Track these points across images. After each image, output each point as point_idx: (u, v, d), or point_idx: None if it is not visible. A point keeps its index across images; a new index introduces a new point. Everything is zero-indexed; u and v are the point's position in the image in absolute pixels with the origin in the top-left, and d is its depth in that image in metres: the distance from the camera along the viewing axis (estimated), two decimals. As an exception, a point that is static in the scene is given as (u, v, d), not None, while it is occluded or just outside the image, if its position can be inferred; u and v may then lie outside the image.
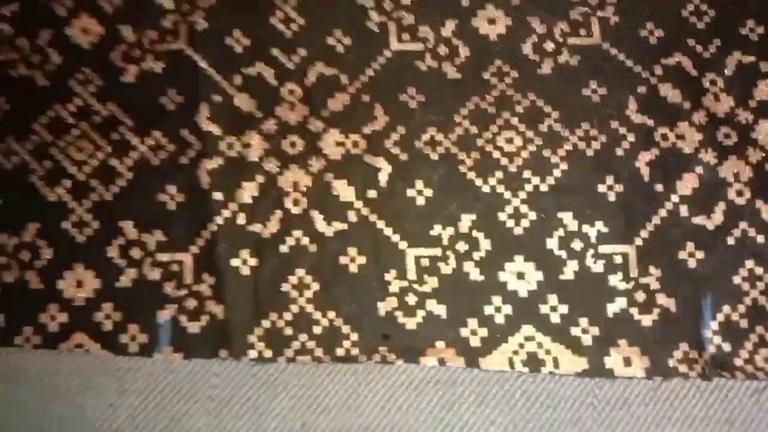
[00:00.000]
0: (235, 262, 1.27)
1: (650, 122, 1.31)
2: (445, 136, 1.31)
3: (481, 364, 1.21)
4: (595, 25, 1.37)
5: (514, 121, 1.32)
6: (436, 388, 1.21)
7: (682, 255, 1.25)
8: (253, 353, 1.23)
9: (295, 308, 1.24)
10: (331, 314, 1.24)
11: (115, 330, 1.24)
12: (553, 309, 1.23)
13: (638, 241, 1.25)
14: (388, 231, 1.27)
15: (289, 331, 1.23)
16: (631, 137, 1.30)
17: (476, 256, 1.26)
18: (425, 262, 1.26)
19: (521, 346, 1.22)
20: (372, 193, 1.29)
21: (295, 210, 1.28)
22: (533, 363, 1.21)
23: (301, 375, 1.22)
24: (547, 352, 1.21)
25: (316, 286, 1.25)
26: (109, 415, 1.21)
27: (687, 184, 1.27)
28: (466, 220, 1.27)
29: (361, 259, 1.27)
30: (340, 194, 1.29)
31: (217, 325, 1.24)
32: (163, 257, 1.27)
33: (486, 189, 1.29)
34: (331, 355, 1.22)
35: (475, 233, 1.27)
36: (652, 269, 1.24)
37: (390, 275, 1.26)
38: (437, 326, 1.23)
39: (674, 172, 1.28)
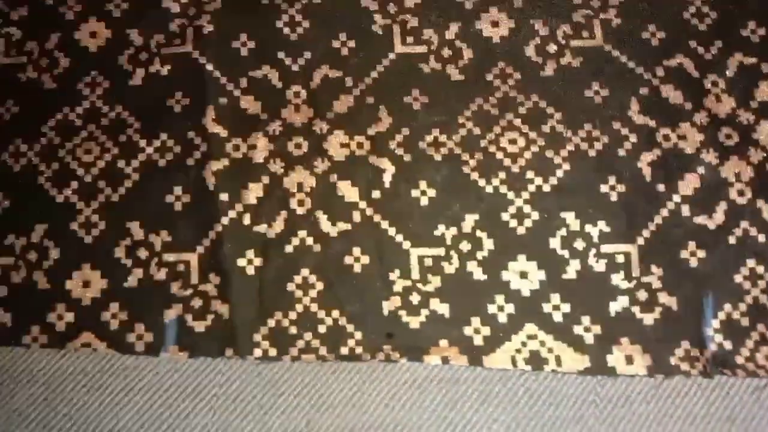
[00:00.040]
0: (240, 262, 1.27)
1: (652, 123, 1.31)
2: (448, 137, 1.32)
3: (484, 362, 1.21)
4: (598, 27, 1.37)
5: (517, 122, 1.32)
6: (439, 387, 1.21)
7: (684, 254, 1.25)
8: (258, 352, 1.23)
9: (299, 307, 1.25)
10: (336, 313, 1.24)
11: (121, 329, 1.25)
12: (556, 308, 1.23)
13: (640, 241, 1.25)
14: (392, 231, 1.28)
15: (293, 330, 1.24)
16: (633, 138, 1.30)
17: (479, 255, 1.26)
18: (429, 262, 1.26)
19: (524, 344, 1.22)
20: (376, 194, 1.29)
21: (300, 210, 1.29)
22: (536, 361, 1.21)
23: (305, 373, 1.22)
24: (550, 350, 1.21)
25: (320, 286, 1.26)
26: (116, 413, 1.21)
27: (688, 184, 1.27)
28: (470, 220, 1.27)
29: (365, 259, 1.27)
30: (345, 195, 1.30)
31: (223, 324, 1.24)
32: (170, 257, 1.27)
33: (489, 189, 1.29)
34: (336, 353, 1.23)
35: (478, 233, 1.27)
36: (653, 268, 1.24)
37: (394, 275, 1.26)
38: (441, 325, 1.23)
39: (676, 173, 1.28)
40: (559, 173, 1.29)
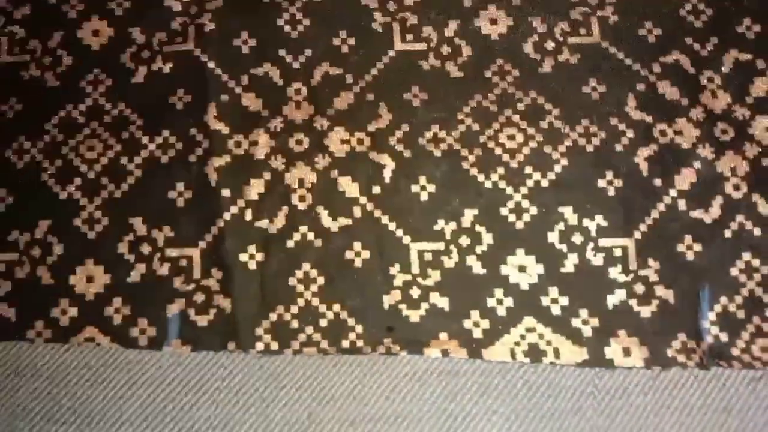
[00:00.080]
0: (242, 257, 1.28)
1: (649, 119, 1.31)
2: (448, 134, 1.33)
3: (484, 355, 1.22)
4: (595, 24, 1.38)
5: (516, 118, 1.33)
6: (439, 379, 1.22)
7: (681, 248, 1.25)
8: (260, 345, 1.24)
9: (301, 301, 1.26)
10: (337, 307, 1.25)
11: (124, 324, 1.26)
12: (554, 301, 1.24)
13: (637, 235, 1.26)
14: (392, 226, 1.28)
15: (295, 324, 1.25)
16: (630, 133, 1.31)
17: (478, 249, 1.27)
18: (428, 256, 1.27)
19: (523, 337, 1.23)
20: (376, 189, 1.30)
21: (301, 206, 1.30)
22: (534, 354, 1.22)
23: (307, 366, 1.23)
24: (548, 343, 1.22)
25: (321, 280, 1.27)
26: (119, 407, 1.22)
27: (685, 178, 1.28)
28: (469, 215, 1.28)
29: (366, 254, 1.28)
30: (345, 190, 1.31)
31: (225, 318, 1.25)
32: (172, 253, 1.29)
33: (488, 184, 1.30)
34: (337, 347, 1.23)
35: (477, 228, 1.28)
36: (650, 262, 1.25)
37: (394, 269, 1.27)
38: (440, 318, 1.24)
39: (672, 167, 1.29)
40: (557, 168, 1.30)
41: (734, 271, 1.24)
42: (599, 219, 1.27)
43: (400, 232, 1.28)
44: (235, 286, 1.27)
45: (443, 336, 1.23)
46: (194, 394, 1.22)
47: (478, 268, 1.26)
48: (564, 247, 1.26)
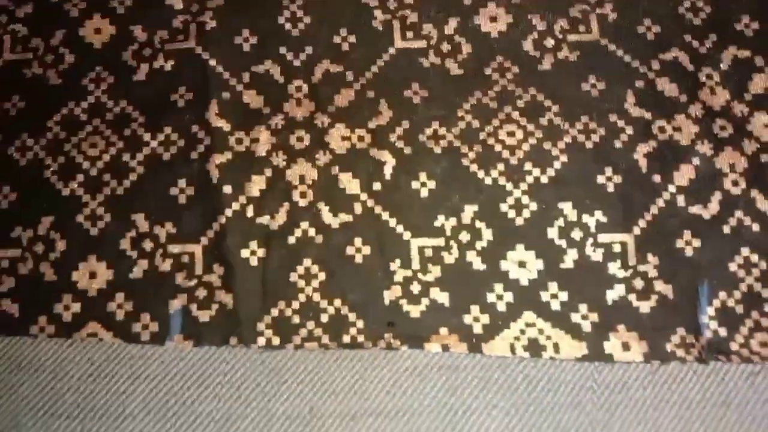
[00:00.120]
0: (244, 253, 1.29)
1: (648, 115, 1.32)
2: (448, 130, 1.33)
3: (484, 349, 1.23)
4: (594, 21, 1.38)
5: (516, 115, 1.33)
6: (439, 374, 1.23)
7: (680, 243, 1.26)
8: (261, 341, 1.25)
9: (302, 297, 1.26)
10: (338, 303, 1.26)
11: (127, 319, 1.26)
12: (554, 296, 1.24)
13: (636, 230, 1.26)
14: (392, 222, 1.29)
15: (296, 319, 1.25)
16: (629, 130, 1.31)
17: (478, 245, 1.27)
18: (429, 252, 1.28)
19: (522, 332, 1.23)
20: (377, 186, 1.31)
21: (302, 202, 1.30)
22: (534, 348, 1.22)
23: (308, 361, 1.24)
24: (548, 337, 1.23)
25: (322, 276, 1.27)
26: (122, 401, 1.23)
27: (684, 174, 1.28)
28: (469, 211, 1.29)
29: (367, 250, 1.28)
30: (346, 187, 1.31)
31: (227, 313, 1.26)
32: (174, 249, 1.29)
33: (488, 181, 1.30)
34: (338, 341, 1.24)
35: (477, 224, 1.28)
36: (650, 257, 1.25)
37: (395, 265, 1.27)
38: (441, 314, 1.25)
39: (671, 164, 1.29)
40: (557, 165, 1.30)
41: (733, 267, 1.25)
42: (598, 215, 1.27)
43: (400, 228, 1.29)
44: (236, 281, 1.27)
45: (443, 331, 1.24)
46: (196, 388, 1.23)
47: (478, 263, 1.27)
48: (563, 243, 1.27)
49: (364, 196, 1.30)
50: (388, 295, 1.26)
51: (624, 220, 1.27)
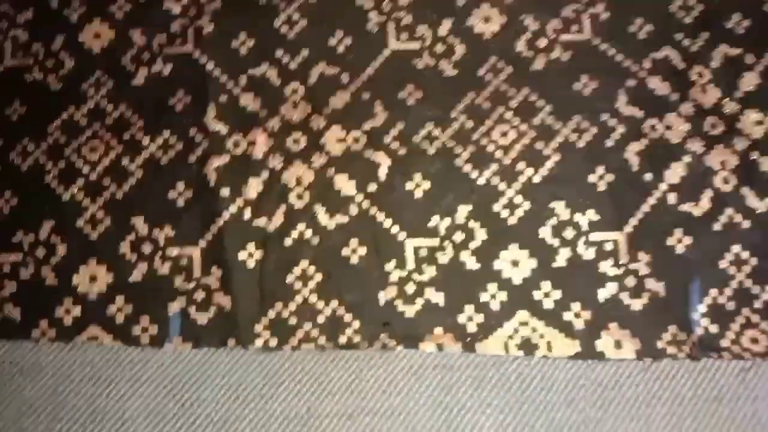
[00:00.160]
0: (241, 255, 1.29)
1: (639, 114, 1.31)
2: (442, 131, 1.32)
3: (478, 348, 1.23)
4: (586, 21, 1.37)
5: (508, 115, 1.33)
6: (434, 373, 1.23)
7: (671, 241, 1.25)
8: (259, 342, 1.25)
9: (299, 298, 1.27)
10: (334, 303, 1.26)
11: (127, 322, 1.28)
12: (547, 295, 1.24)
13: (628, 229, 1.26)
14: (387, 223, 1.29)
15: (293, 321, 1.26)
16: (620, 129, 1.30)
17: (472, 245, 1.27)
18: (423, 252, 1.27)
19: (516, 331, 1.23)
20: (372, 187, 1.31)
21: (298, 204, 1.30)
22: (527, 347, 1.22)
23: (305, 362, 1.24)
24: (541, 336, 1.22)
25: (319, 277, 1.27)
26: (123, 404, 1.23)
27: (675, 172, 1.27)
28: (463, 211, 1.28)
29: (362, 250, 1.28)
30: (342, 188, 1.31)
31: (225, 315, 1.27)
32: (173, 252, 1.30)
33: (481, 181, 1.30)
34: (334, 342, 1.24)
35: (471, 224, 1.28)
36: (641, 255, 1.25)
37: (390, 265, 1.27)
38: (435, 313, 1.25)
39: (662, 162, 1.28)
40: (549, 164, 1.30)
41: (724, 264, 1.24)
42: (591, 213, 1.27)
43: (395, 229, 1.29)
44: (234, 283, 1.28)
45: (438, 330, 1.24)
46: (195, 390, 1.24)
47: (472, 263, 1.27)
48: (556, 242, 1.26)
49: (359, 198, 1.30)
50: (384, 296, 1.26)
51: (616, 218, 1.27)
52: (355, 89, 1.36)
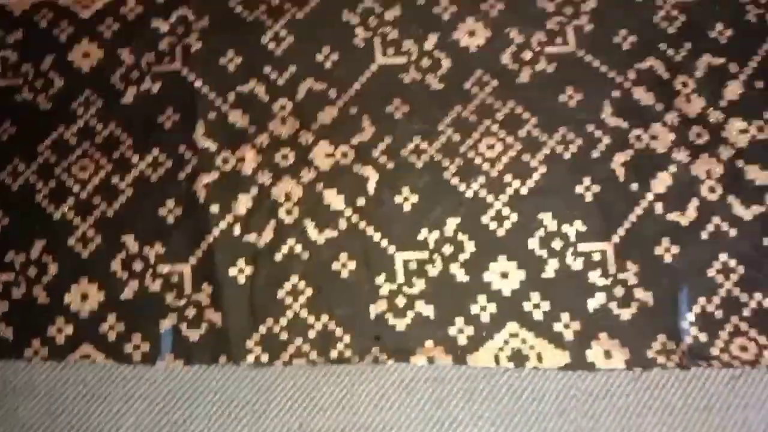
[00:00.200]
0: (232, 271, 1.28)
1: (624, 125, 1.30)
2: (429, 145, 1.31)
3: (469, 361, 1.21)
4: (571, 33, 1.36)
5: (495, 128, 1.31)
6: (426, 386, 1.21)
7: (658, 250, 1.24)
8: (250, 358, 1.24)
9: (290, 313, 1.25)
10: (325, 318, 1.25)
11: (119, 340, 1.26)
12: (536, 306, 1.23)
13: (616, 239, 1.25)
14: (377, 237, 1.28)
15: (284, 336, 1.24)
16: (606, 140, 1.29)
17: (461, 257, 1.26)
18: (413, 266, 1.26)
19: (506, 342, 1.22)
20: (361, 201, 1.29)
21: (288, 220, 1.29)
22: (518, 358, 1.21)
23: (297, 377, 1.23)
24: (531, 347, 1.21)
25: (309, 292, 1.26)
26: (116, 422, 1.22)
27: (661, 182, 1.26)
28: (451, 224, 1.27)
29: (352, 264, 1.27)
30: (331, 203, 1.30)
31: (216, 332, 1.25)
32: (164, 269, 1.29)
33: (469, 194, 1.28)
34: (326, 357, 1.23)
35: (459, 236, 1.27)
36: (629, 265, 1.24)
37: (380, 279, 1.26)
38: (426, 326, 1.23)
39: (648, 172, 1.27)
40: (536, 176, 1.28)
41: (711, 272, 1.23)
42: (578, 224, 1.26)
43: (384, 243, 1.27)
44: (225, 300, 1.26)
45: (429, 343, 1.23)
46: (188, 407, 1.22)
47: (461, 275, 1.25)
48: (544, 253, 1.25)
49: (348, 212, 1.29)
50: (374, 309, 1.25)
51: (603, 229, 1.26)
52: (343, 104, 1.35)
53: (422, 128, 1.33)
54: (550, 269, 1.24)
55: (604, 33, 1.36)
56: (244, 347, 1.24)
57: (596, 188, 1.27)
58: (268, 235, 1.29)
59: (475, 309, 1.24)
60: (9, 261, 1.30)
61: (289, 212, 1.29)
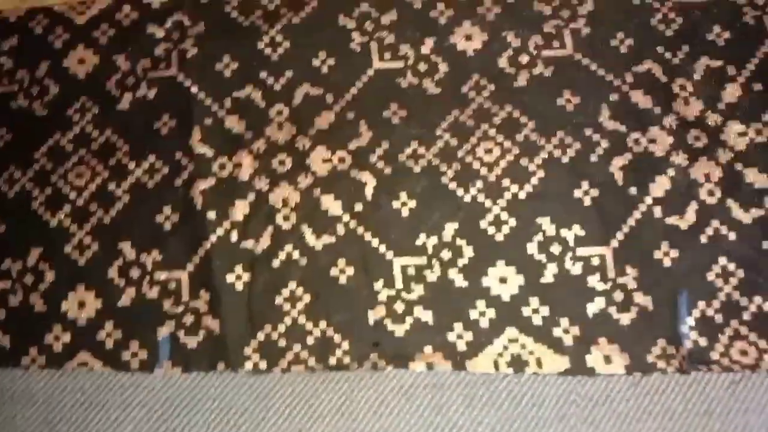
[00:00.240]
0: (229, 277, 1.26)
1: (622, 128, 1.29)
2: (426, 149, 1.30)
3: (468, 367, 1.20)
4: (568, 36, 1.35)
5: (492, 132, 1.30)
6: (425, 392, 1.20)
7: (658, 254, 1.23)
8: (249, 365, 1.22)
9: (288, 320, 1.24)
10: (323, 324, 1.23)
11: (116, 347, 1.25)
12: (535, 311, 1.22)
13: (614, 243, 1.24)
14: (375, 242, 1.26)
15: (283, 343, 1.23)
16: (604, 143, 1.28)
17: (460, 263, 1.25)
18: (411, 271, 1.25)
19: (505, 348, 1.21)
20: (359, 207, 1.28)
21: (285, 225, 1.28)
22: (517, 364, 1.20)
23: (295, 384, 1.22)
24: (531, 353, 1.20)
25: (307, 298, 1.25)
26: (114, 430, 1.21)
27: (660, 186, 1.25)
28: (450, 229, 1.26)
29: (350, 270, 1.26)
30: (329, 208, 1.29)
31: (214, 339, 1.24)
32: (161, 276, 1.27)
33: (467, 198, 1.27)
34: (324, 363, 1.22)
35: (458, 241, 1.25)
36: (628, 269, 1.22)
37: (378, 284, 1.25)
38: (425, 332, 1.22)
39: (647, 175, 1.26)
40: (534, 180, 1.27)
41: (711, 276, 1.22)
42: (576, 229, 1.25)
43: (383, 248, 1.26)
44: (223, 307, 1.25)
45: (428, 349, 1.21)
46: (186, 415, 1.21)
47: (460, 280, 1.24)
48: (543, 258, 1.24)
49: (346, 217, 1.28)
50: (373, 315, 1.24)
51: (602, 233, 1.24)
52: (340, 109, 1.34)
53: (420, 133, 1.32)
54: (549, 274, 1.23)
55: (601, 36, 1.35)
56: (243, 354, 1.23)
57: (595, 192, 1.26)
58: (265, 241, 1.27)
59: (474, 314, 1.22)
60: (5, 269, 1.29)
61: (286, 218, 1.28)
